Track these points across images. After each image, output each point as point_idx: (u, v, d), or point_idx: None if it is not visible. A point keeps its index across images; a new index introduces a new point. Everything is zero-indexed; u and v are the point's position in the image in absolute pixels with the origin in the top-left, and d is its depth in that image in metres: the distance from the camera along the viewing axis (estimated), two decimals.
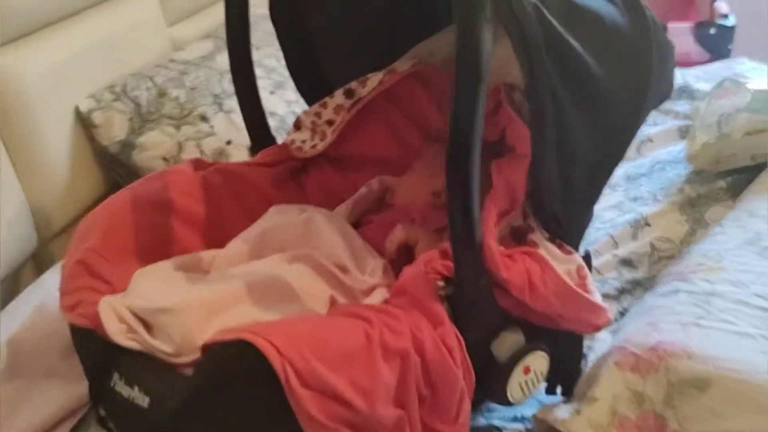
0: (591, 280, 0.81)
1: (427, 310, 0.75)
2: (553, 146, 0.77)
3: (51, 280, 1.24)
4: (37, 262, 1.38)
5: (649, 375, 0.83)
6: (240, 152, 1.41)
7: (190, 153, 1.40)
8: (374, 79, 1.04)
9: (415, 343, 0.71)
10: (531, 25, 0.73)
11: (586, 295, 0.78)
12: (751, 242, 1.02)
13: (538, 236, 0.81)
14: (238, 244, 0.95)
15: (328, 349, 0.67)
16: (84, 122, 1.41)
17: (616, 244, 1.22)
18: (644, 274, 1.14)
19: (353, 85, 1.04)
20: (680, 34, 1.94)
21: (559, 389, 0.92)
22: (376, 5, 1.02)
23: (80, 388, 0.90)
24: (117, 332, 0.74)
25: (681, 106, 1.61)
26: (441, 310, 0.74)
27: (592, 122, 0.80)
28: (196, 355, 0.72)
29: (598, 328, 0.83)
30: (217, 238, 0.95)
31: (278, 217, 0.97)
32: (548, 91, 0.75)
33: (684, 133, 1.50)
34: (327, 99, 1.05)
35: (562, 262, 0.80)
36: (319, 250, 0.91)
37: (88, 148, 1.43)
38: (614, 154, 0.85)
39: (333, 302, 0.83)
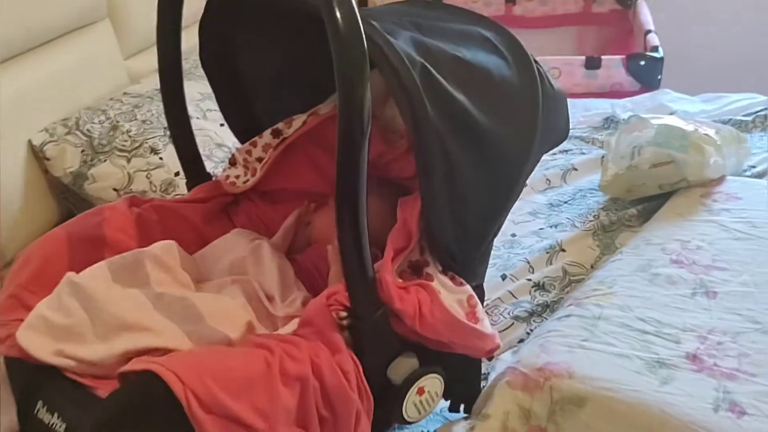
0: (480, 308, 0.90)
1: (327, 338, 0.83)
2: (443, 190, 0.86)
3: None
4: None
5: (536, 393, 0.92)
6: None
7: (140, 184, 1.46)
8: (299, 120, 1.12)
9: (314, 368, 0.79)
10: (412, 83, 0.81)
11: (471, 324, 0.86)
12: (642, 269, 1.12)
13: (433, 269, 0.90)
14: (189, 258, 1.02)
15: (229, 377, 0.75)
16: (37, 155, 1.47)
17: (532, 269, 1.31)
18: (553, 298, 1.23)
19: (280, 125, 1.13)
20: (612, 66, 2.05)
21: (462, 407, 1.01)
22: (301, 54, 1.10)
23: (10, 418, 0.96)
24: (39, 350, 0.81)
25: (606, 135, 1.71)
26: (339, 339, 0.83)
27: (481, 168, 0.89)
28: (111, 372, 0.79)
29: (488, 353, 0.91)
30: None
31: (233, 239, 1.05)
32: (434, 141, 0.84)
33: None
34: (257, 138, 1.14)
35: (453, 293, 0.88)
36: (256, 276, 0.99)
37: (41, 179, 1.49)
38: (505, 196, 0.94)
39: (250, 328, 0.91)
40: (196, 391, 0.71)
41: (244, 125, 1.17)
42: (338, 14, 0.71)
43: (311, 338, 0.83)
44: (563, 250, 1.34)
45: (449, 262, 0.91)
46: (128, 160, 1.49)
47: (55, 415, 0.77)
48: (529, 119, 0.92)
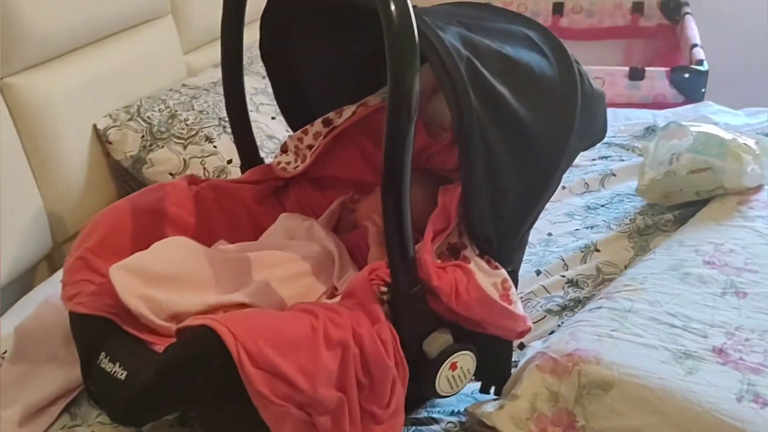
0: (514, 292, 0.95)
1: (367, 310, 0.88)
2: (483, 177, 0.91)
3: (60, 278, 1.40)
4: (51, 262, 1.52)
5: (564, 377, 0.96)
6: (239, 170, 1.56)
7: (194, 169, 1.55)
8: (348, 111, 1.19)
9: (355, 335, 0.85)
10: (459, 74, 0.87)
11: (504, 304, 0.91)
12: (674, 268, 1.14)
13: (470, 252, 0.95)
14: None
15: (278, 337, 0.81)
16: (101, 138, 1.57)
17: (566, 267, 1.34)
18: (586, 294, 1.27)
19: (331, 115, 1.19)
20: (655, 77, 2.07)
21: (492, 390, 1.05)
22: (353, 49, 1.17)
23: (76, 371, 1.04)
24: (126, 290, 0.89)
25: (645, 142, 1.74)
26: (379, 310, 0.88)
27: (520, 159, 0.94)
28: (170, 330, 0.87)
29: (520, 335, 0.96)
30: (205, 245, 1.10)
31: (285, 221, 1.12)
32: (476, 129, 0.89)
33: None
34: (308, 126, 1.21)
35: (488, 275, 0.93)
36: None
37: (103, 162, 1.59)
38: (541, 189, 0.98)
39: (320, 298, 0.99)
40: (247, 347, 0.78)
41: (297, 114, 1.24)
42: (393, 8, 0.77)
43: (353, 309, 0.89)
44: (598, 250, 1.37)
45: (486, 247, 0.96)
46: (184, 147, 1.58)
47: (117, 364, 0.84)
48: (567, 115, 0.97)
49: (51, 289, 1.29)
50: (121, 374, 0.83)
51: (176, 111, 1.63)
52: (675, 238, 1.26)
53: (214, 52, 1.89)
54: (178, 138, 1.59)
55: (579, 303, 1.24)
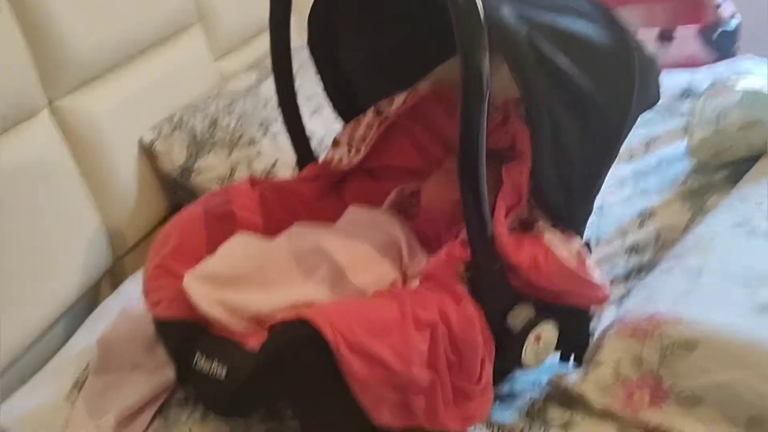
0: (589, 261, 0.96)
1: (450, 290, 0.90)
2: (550, 151, 0.92)
3: (129, 288, 1.42)
4: (113, 276, 1.55)
5: (646, 340, 0.97)
6: (285, 170, 1.57)
7: (242, 173, 1.56)
8: (399, 99, 1.20)
9: (442, 315, 0.87)
10: (523, 48, 0.88)
11: (582, 274, 0.92)
12: (740, 225, 1.14)
13: (543, 225, 0.96)
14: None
15: (370, 321, 0.83)
16: (147, 151, 1.59)
17: (625, 233, 1.35)
18: (650, 258, 1.27)
19: (382, 104, 1.21)
20: (687, 38, 2.05)
21: (572, 359, 1.06)
22: (398, 38, 1.18)
23: (162, 377, 1.06)
24: (202, 299, 0.91)
25: (686, 105, 1.73)
26: (462, 289, 0.90)
27: (584, 129, 0.95)
28: (258, 329, 0.89)
29: (599, 302, 0.97)
30: None
31: (356, 214, 1.14)
32: (543, 104, 0.90)
33: (688, 131, 1.62)
34: (360, 117, 1.22)
35: (563, 246, 0.94)
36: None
37: (152, 173, 1.61)
38: (606, 157, 0.99)
39: (393, 286, 1.00)
40: (343, 333, 0.80)
41: (348, 106, 1.25)
42: None
43: (436, 290, 0.90)
44: (654, 215, 1.37)
45: (558, 219, 0.97)
46: (229, 153, 1.60)
47: (215, 361, 0.86)
48: (626, 82, 0.97)
49: (120, 301, 1.33)
50: (221, 372, 0.85)
51: (217, 117, 1.65)
52: (735, 195, 1.26)
53: (244, 56, 1.98)
54: (222, 144, 1.61)
55: (644, 268, 1.25)
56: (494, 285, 0.91)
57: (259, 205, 1.14)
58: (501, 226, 0.91)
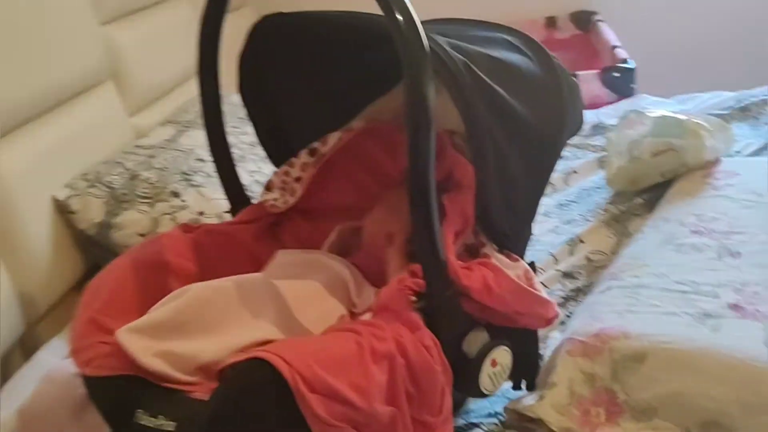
0: (537, 281, 0.97)
1: (405, 319, 0.88)
2: (495, 175, 0.94)
3: (46, 355, 1.32)
4: (24, 344, 1.44)
5: (596, 357, 0.98)
6: (211, 221, 1.53)
7: (166, 227, 1.50)
8: (334, 138, 1.19)
9: (399, 346, 0.85)
10: (464, 78, 0.90)
11: (534, 291, 0.93)
12: (667, 242, 1.20)
13: (489, 249, 0.97)
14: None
15: (327, 358, 0.79)
16: (62, 209, 1.50)
17: (556, 261, 1.38)
18: (584, 282, 1.30)
19: (316, 144, 1.20)
20: (589, 80, 2.18)
21: (523, 385, 1.06)
22: (331, 80, 1.18)
23: None
24: (140, 352, 0.85)
25: (597, 140, 1.83)
26: (416, 318, 0.88)
27: (524, 153, 0.97)
28: (204, 378, 0.83)
29: (549, 322, 0.98)
30: None
31: (286, 256, 1.10)
32: (486, 130, 0.92)
33: (602, 163, 1.71)
34: (293, 159, 1.20)
35: (511, 268, 0.95)
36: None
37: (66, 233, 1.52)
38: (545, 178, 1.02)
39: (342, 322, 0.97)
40: (302, 372, 0.76)
41: (281, 149, 1.23)
42: (400, 18, 0.79)
43: (391, 321, 0.88)
44: (582, 242, 1.42)
45: (503, 242, 0.98)
46: (152, 206, 1.54)
47: (161, 417, 0.80)
48: (558, 107, 1.01)
49: (36, 371, 1.22)
50: (169, 426, 0.79)
51: (137, 171, 1.59)
52: (658, 216, 1.32)
53: (159, 111, 1.94)
54: (144, 198, 1.55)
55: (580, 291, 1.28)
56: (448, 311, 0.90)
57: (193, 251, 1.09)
58: (450, 252, 0.91)
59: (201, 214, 1.55)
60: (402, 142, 1.06)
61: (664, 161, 1.45)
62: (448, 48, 0.92)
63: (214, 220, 1.52)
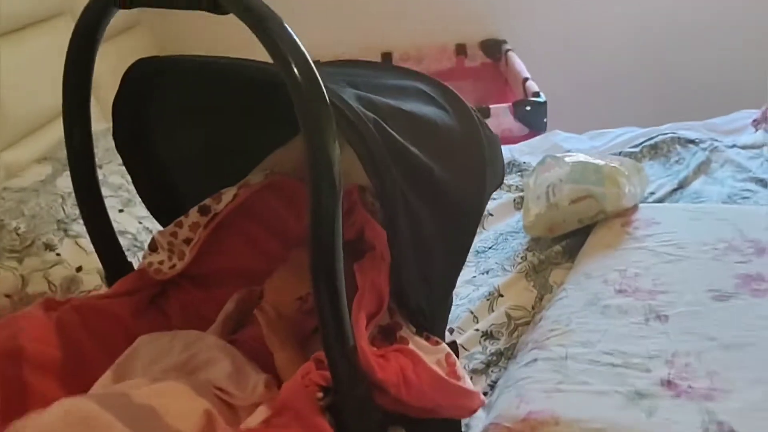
0: (459, 365, 0.86)
1: (310, 424, 0.75)
2: (410, 246, 0.82)
3: None
4: None
5: None
6: (92, 278, 1.35)
7: (37, 285, 1.31)
8: (228, 194, 1.05)
9: None
10: (374, 139, 0.78)
11: (457, 382, 0.82)
12: (591, 303, 1.12)
13: (407, 332, 0.85)
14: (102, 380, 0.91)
15: None
16: None
17: (476, 319, 1.29)
18: (505, 345, 1.21)
19: (207, 201, 1.05)
20: (500, 114, 2.13)
21: None
22: (221, 129, 1.04)
23: None
24: None
25: (512, 179, 1.76)
26: (323, 424, 0.75)
27: (442, 218, 0.87)
28: None
29: (473, 411, 0.87)
30: (78, 383, 0.90)
31: (148, 346, 0.93)
32: (399, 197, 0.81)
33: (519, 204, 1.64)
34: (182, 218, 1.05)
35: (431, 353, 0.84)
36: (204, 374, 0.89)
37: None
38: (465, 244, 0.92)
39: (209, 418, 0.82)
40: None
41: (165, 206, 1.08)
42: (297, 72, 0.67)
43: (293, 426, 0.75)
44: (501, 295, 1.33)
45: (421, 320, 0.87)
46: (20, 261, 1.34)
47: None
48: (478, 164, 0.92)
49: None
50: None
51: (2, 220, 1.39)
52: (579, 272, 1.25)
53: (33, 147, 1.72)
54: (11, 252, 1.35)
55: (501, 356, 1.19)
56: (361, 411, 0.78)
57: (57, 335, 0.91)
58: (362, 340, 0.79)
59: (79, 269, 1.36)
60: (305, 198, 0.94)
61: (582, 208, 1.40)
62: (354, 103, 0.81)
63: (95, 278, 1.34)
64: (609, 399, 0.91)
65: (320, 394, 0.78)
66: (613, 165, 1.42)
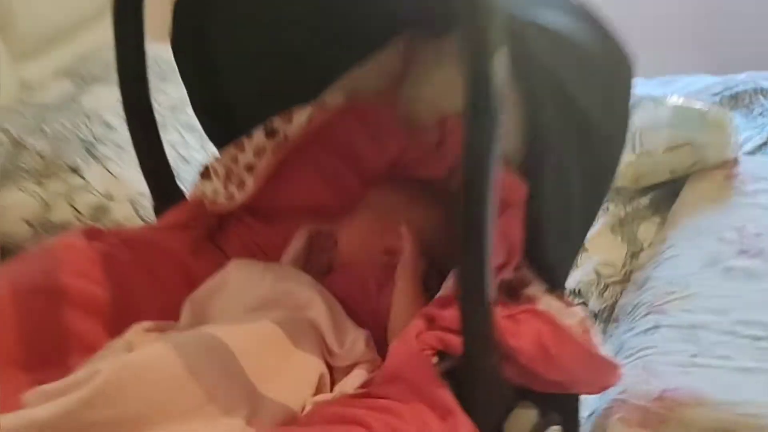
0: (594, 332, 0.71)
1: (430, 398, 0.61)
2: (554, 192, 0.68)
3: None
4: None
5: (660, 428, 0.75)
6: (124, 208, 1.21)
7: (60, 212, 1.20)
8: (302, 115, 0.88)
9: None
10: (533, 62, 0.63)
11: (602, 354, 0.68)
12: (711, 264, 1.00)
13: (536, 289, 0.70)
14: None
15: None
16: None
17: None
18: (597, 306, 1.09)
19: (276, 122, 0.88)
20: None
21: None
22: (294, 31, 0.87)
23: None
24: None
25: None
26: (448, 397, 0.61)
27: (585, 162, 0.71)
28: None
29: (606, 388, 0.73)
30: (126, 328, 0.75)
31: (238, 273, 0.80)
32: (552, 133, 0.67)
33: None
34: (244, 139, 0.89)
35: (566, 317, 0.69)
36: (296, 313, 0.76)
37: None
38: (605, 191, 0.77)
39: (322, 382, 0.70)
40: None
41: (224, 125, 0.92)
42: None
43: (408, 399, 0.61)
44: (586, 249, 1.19)
45: (552, 278, 0.71)
46: (42, 184, 1.21)
47: None
48: (623, 96, 0.75)
49: None
50: None
51: (21, 138, 1.23)
52: (687, 227, 1.12)
53: (55, 58, 1.55)
54: (31, 174, 1.22)
55: (596, 317, 1.06)
56: (489, 384, 0.64)
57: (102, 270, 0.77)
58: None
59: (109, 197, 1.22)
60: (391, 125, 0.82)
61: (678, 158, 1.25)
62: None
63: (125, 206, 1.20)
64: (759, 377, 0.78)
65: (435, 359, 0.63)
66: (719, 110, 1.25)
